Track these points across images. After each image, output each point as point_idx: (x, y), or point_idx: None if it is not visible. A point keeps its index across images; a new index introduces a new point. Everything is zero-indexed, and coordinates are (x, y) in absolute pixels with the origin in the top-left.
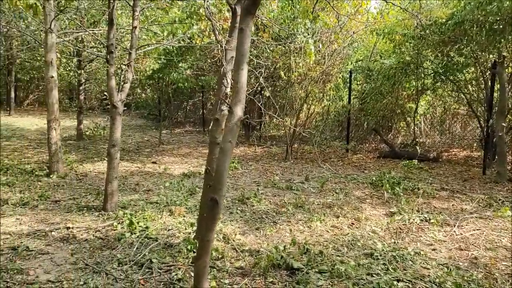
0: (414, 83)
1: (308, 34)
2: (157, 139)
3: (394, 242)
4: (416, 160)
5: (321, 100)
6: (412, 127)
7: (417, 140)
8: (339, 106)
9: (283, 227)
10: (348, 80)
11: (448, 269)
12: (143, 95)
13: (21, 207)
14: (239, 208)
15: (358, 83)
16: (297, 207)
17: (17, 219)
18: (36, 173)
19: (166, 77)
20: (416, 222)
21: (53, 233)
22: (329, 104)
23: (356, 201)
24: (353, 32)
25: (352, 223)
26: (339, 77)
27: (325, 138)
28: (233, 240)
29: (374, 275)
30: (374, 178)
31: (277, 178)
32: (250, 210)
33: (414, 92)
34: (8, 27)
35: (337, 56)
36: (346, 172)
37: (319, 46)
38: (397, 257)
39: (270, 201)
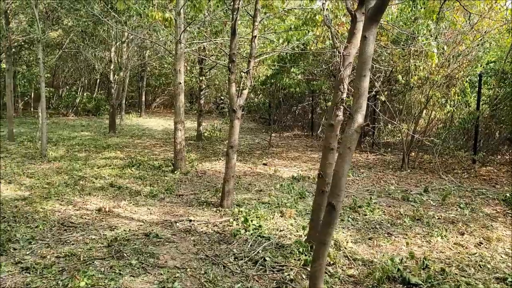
0: None
1: (431, 36)
2: (267, 142)
3: None
4: None
5: (444, 105)
6: None
7: None
8: (465, 113)
9: (398, 240)
10: (476, 84)
11: None
12: (256, 99)
13: (151, 199)
14: (350, 216)
15: (489, 87)
16: (415, 219)
17: (148, 209)
18: (163, 169)
19: (278, 83)
20: None
21: (177, 224)
22: (453, 110)
23: (485, 218)
24: (485, 32)
25: (480, 243)
26: (466, 81)
27: (447, 147)
28: (345, 248)
29: None
30: (508, 195)
31: (392, 187)
32: (362, 219)
33: None
34: (143, 39)
35: (464, 58)
36: (472, 185)
37: (443, 48)
38: None
39: (384, 211)
